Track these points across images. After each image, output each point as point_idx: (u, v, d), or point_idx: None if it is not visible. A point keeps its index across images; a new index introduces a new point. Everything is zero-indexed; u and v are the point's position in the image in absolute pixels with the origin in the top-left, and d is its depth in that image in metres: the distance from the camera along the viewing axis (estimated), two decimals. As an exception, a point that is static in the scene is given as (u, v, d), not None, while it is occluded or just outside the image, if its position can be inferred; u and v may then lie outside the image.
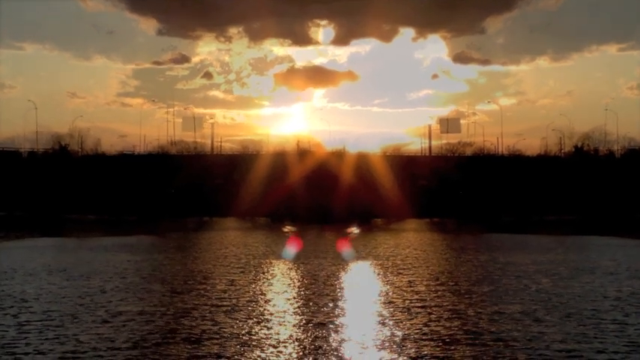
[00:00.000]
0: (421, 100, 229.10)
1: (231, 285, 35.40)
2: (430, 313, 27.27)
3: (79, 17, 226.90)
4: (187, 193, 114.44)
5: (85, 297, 31.18)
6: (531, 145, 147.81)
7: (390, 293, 32.71)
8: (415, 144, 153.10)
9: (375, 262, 47.61)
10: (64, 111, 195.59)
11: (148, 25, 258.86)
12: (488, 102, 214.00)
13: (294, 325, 25.19)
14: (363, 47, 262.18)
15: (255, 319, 26.20)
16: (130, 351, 21.16)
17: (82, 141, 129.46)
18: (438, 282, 36.55)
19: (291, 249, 55.63)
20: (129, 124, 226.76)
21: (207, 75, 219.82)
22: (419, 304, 29.32)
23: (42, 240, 71.08)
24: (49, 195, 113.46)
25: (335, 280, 37.60)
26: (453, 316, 26.78)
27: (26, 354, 20.85)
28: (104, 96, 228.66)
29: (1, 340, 22.43)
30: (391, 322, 25.60)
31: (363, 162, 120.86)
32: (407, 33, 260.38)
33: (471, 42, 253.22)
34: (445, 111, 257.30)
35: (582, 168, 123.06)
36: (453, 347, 21.76)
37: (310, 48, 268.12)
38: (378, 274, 40.49)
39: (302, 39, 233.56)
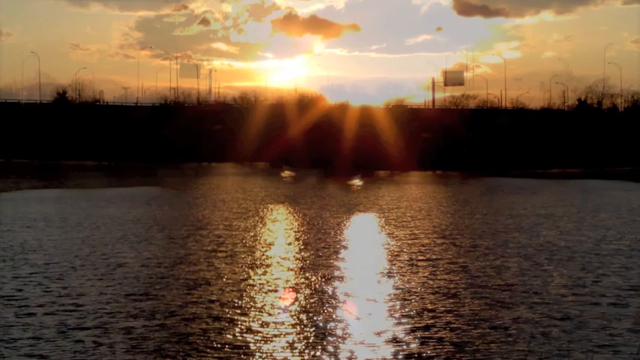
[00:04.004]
0: (419, 46, 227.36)
1: (231, 230, 35.75)
2: (434, 266, 27.07)
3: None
4: (186, 138, 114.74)
5: (83, 246, 30.98)
6: (535, 98, 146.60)
7: (393, 246, 32.50)
8: (418, 97, 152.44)
9: (378, 213, 47.36)
10: (66, 60, 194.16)
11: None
12: (492, 54, 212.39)
13: (293, 273, 25.03)
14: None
15: (253, 265, 26.42)
16: (126, 299, 20.96)
17: (81, 90, 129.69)
18: (441, 235, 36.32)
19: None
20: (130, 76, 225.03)
21: (205, 22, 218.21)
22: (422, 257, 29.13)
23: (43, 192, 70.85)
24: (48, 142, 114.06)
25: (337, 232, 37.35)
26: (457, 269, 26.58)
27: (26, 306, 20.62)
28: (107, 46, 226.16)
29: (0, 293, 22.19)
30: (394, 275, 25.39)
31: (366, 114, 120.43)
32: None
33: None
34: (445, 57, 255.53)
35: (585, 121, 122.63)
36: (456, 300, 21.54)
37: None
38: (381, 226, 40.26)
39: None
